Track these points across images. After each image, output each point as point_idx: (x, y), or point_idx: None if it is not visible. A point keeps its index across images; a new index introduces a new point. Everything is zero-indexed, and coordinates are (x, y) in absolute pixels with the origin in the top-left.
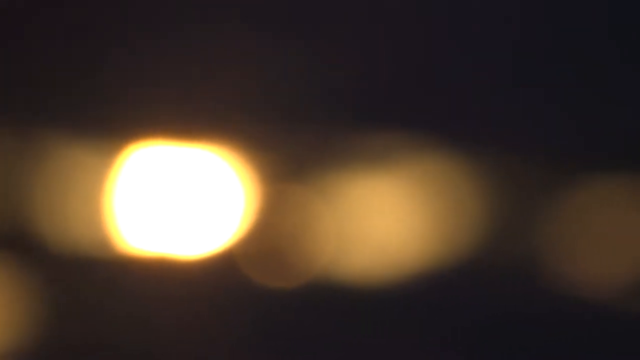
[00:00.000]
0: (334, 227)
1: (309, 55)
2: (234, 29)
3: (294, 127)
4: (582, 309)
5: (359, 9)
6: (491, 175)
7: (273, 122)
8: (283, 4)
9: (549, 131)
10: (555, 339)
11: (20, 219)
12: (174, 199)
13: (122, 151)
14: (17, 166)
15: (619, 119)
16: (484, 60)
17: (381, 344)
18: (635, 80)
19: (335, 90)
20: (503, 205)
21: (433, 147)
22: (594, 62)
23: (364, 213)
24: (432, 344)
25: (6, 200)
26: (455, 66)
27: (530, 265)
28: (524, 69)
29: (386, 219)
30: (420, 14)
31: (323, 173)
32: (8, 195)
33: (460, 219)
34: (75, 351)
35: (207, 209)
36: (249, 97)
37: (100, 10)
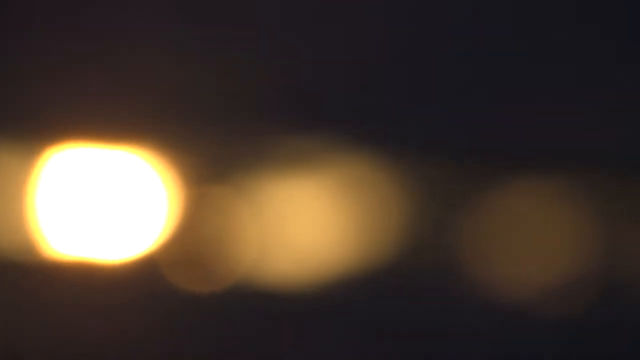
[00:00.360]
0: (257, 230)
1: (232, 57)
2: (156, 31)
3: (217, 129)
4: (503, 310)
5: (281, 9)
6: (413, 178)
7: (195, 124)
8: (205, 5)
9: (469, 132)
10: (477, 340)
11: None
12: (96, 202)
13: (43, 154)
14: None
15: (539, 119)
16: (406, 62)
17: (304, 348)
18: (548, 79)
19: (258, 92)
20: (425, 207)
21: (355, 149)
22: (507, 62)
23: (287, 216)
24: (354, 347)
25: None
26: (377, 68)
27: (451, 268)
28: (445, 70)
29: (309, 221)
30: (341, 16)
31: (245, 175)
32: None
33: (382, 221)
34: None
35: (129, 212)
36: (172, 99)
37: (21, 12)
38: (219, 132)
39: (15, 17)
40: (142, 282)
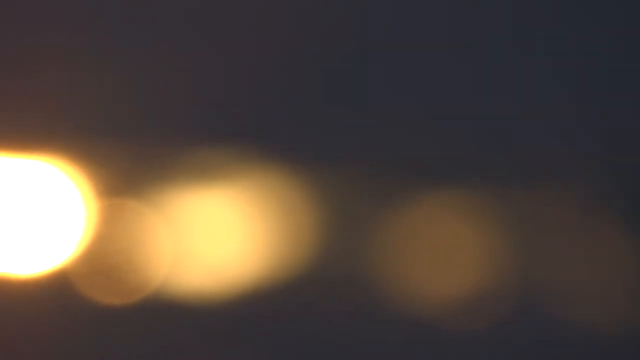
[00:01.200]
0: (169, 243)
1: (144, 68)
2: (71, 40)
3: (127, 141)
4: (415, 323)
5: (192, 22)
6: (322, 188)
7: (105, 135)
8: (117, 13)
9: (382, 142)
10: (389, 354)
11: None
12: (7, 214)
13: None
14: None
15: (451, 127)
16: (315, 72)
17: None
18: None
19: (170, 104)
20: (335, 218)
21: (266, 160)
22: (416, 71)
23: (198, 228)
24: None
25: None
26: (286, 79)
27: (362, 280)
28: (357, 78)
29: (220, 233)
30: (252, 29)
31: (157, 188)
32: None
33: (291, 233)
34: None
35: (41, 224)
36: (85, 110)
37: None
38: (130, 144)
39: None
40: (54, 295)
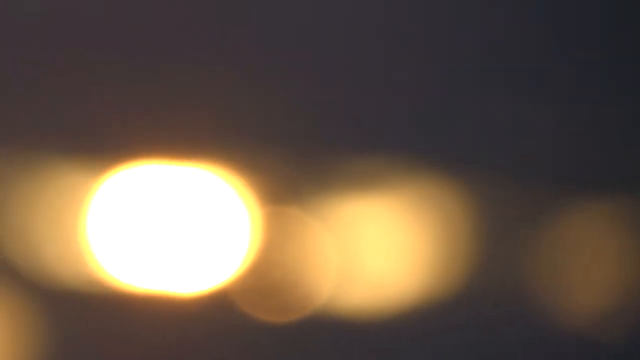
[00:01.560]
0: (334, 255)
1: (308, 77)
2: (230, 49)
3: (291, 149)
4: (576, 337)
5: (353, 31)
6: (486, 199)
7: (269, 143)
8: (275, 27)
9: (539, 153)
10: None
11: (6, 249)
12: (166, 226)
13: (112, 174)
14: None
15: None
16: (475, 85)
17: None
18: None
19: (333, 111)
20: (496, 229)
21: (428, 169)
22: None
23: (362, 239)
24: None
25: None
26: (445, 89)
27: (524, 292)
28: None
29: (383, 244)
30: (414, 36)
31: (320, 196)
32: None
33: (452, 244)
34: None
35: (202, 237)
36: (246, 118)
37: (94, 35)
38: (295, 152)
39: (74, 36)
40: (216, 313)
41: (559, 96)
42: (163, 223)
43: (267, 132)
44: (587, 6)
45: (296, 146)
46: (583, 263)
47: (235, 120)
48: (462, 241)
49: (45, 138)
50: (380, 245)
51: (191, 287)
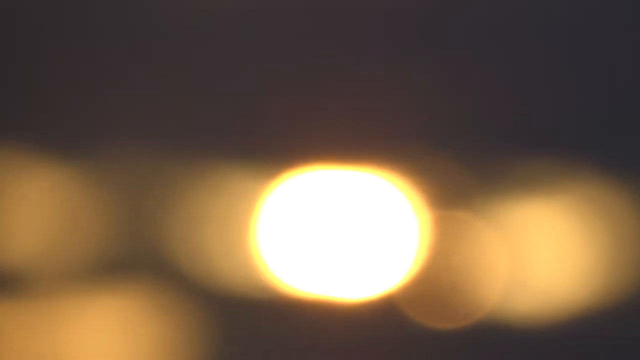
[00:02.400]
0: (503, 260)
1: (475, 80)
2: (400, 53)
3: (459, 153)
4: None
5: (517, 35)
6: None
7: (437, 147)
8: (441, 36)
9: None
10: None
11: (170, 254)
12: (333, 232)
13: (281, 178)
14: (173, 194)
15: None
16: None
17: None
18: None
19: (498, 112)
20: None
21: (599, 172)
22: None
23: (532, 244)
24: None
25: (158, 232)
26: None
27: None
28: None
29: (554, 250)
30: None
31: (490, 200)
32: (160, 226)
33: (624, 250)
34: None
35: (371, 242)
36: (414, 121)
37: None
38: (459, 156)
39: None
40: (383, 320)
41: None
42: (331, 228)
43: (435, 135)
44: None
45: (464, 149)
46: None
47: (404, 124)
48: (632, 245)
49: (215, 143)
50: (549, 249)
51: (359, 293)
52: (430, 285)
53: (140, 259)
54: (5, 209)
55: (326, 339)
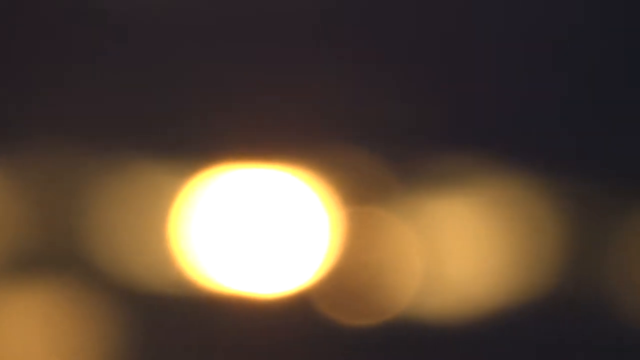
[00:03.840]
0: (417, 257)
1: (388, 78)
2: (314, 55)
3: (374, 150)
4: None
5: (437, 35)
6: (572, 199)
7: (351, 144)
8: (361, 30)
9: (622, 150)
10: None
11: (88, 248)
12: (248, 229)
13: (195, 177)
14: (90, 190)
15: None
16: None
17: None
18: None
19: (415, 111)
20: (583, 230)
21: (509, 167)
22: None
23: (446, 241)
24: None
25: (74, 228)
26: (526, 86)
27: (610, 295)
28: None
29: (468, 247)
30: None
31: (404, 197)
32: (76, 223)
33: (540, 247)
34: None
35: (283, 239)
36: (329, 118)
37: (178, 36)
38: (373, 152)
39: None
40: (297, 316)
41: None
42: (247, 225)
43: (350, 133)
44: None
45: (379, 147)
46: None
47: (318, 122)
48: (548, 242)
49: (132, 140)
50: (465, 246)
51: (273, 289)
52: (344, 281)
53: (57, 256)
54: None
55: (240, 335)
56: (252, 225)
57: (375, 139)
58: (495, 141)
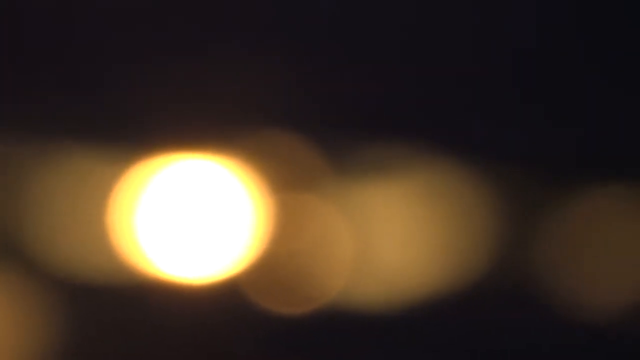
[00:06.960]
0: (346, 245)
1: (318, 65)
2: (240, 42)
3: (303, 136)
4: (590, 327)
5: (363, 21)
6: (495, 187)
7: (280, 130)
8: (286, 15)
9: (550, 141)
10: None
11: (23, 237)
12: (181, 216)
13: (133, 165)
14: (25, 180)
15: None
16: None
17: None
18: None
19: (344, 99)
20: (513, 219)
21: (440, 156)
22: None
23: (376, 228)
24: None
25: (9, 217)
26: (459, 77)
27: (540, 284)
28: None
29: (399, 235)
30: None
31: (334, 184)
32: (11, 212)
33: (470, 235)
34: None
35: (214, 225)
36: (257, 105)
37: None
38: (303, 139)
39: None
40: (227, 302)
41: None
42: (177, 212)
43: (279, 118)
44: None
45: (309, 132)
46: (600, 254)
47: (250, 109)
48: (477, 231)
49: (68, 129)
50: (395, 234)
51: (202, 274)
52: (273, 269)
53: None
54: None
55: (170, 320)
56: (182, 213)
57: (305, 126)
58: (426, 130)
